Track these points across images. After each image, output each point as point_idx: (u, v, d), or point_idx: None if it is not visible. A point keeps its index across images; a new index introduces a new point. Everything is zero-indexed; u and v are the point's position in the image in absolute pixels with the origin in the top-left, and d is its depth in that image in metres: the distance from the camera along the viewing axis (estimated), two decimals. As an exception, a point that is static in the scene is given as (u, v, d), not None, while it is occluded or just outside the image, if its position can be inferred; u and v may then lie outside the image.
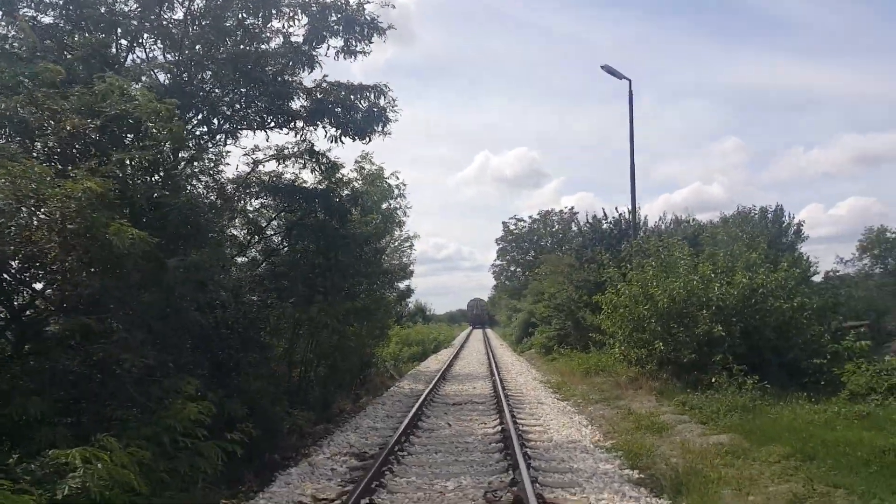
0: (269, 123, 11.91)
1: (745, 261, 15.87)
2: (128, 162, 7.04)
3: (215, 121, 11.03)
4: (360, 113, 11.70)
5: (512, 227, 59.24)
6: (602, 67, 21.41)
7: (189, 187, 8.25)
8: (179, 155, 9.74)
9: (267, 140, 12.04)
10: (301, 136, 12.02)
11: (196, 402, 6.72)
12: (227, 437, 6.86)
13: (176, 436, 6.30)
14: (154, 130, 7.06)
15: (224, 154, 11.45)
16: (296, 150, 12.25)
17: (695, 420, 10.96)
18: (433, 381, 18.73)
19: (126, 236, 5.92)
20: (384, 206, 17.07)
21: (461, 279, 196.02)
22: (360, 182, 15.01)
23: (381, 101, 11.70)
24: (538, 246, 56.88)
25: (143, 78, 9.59)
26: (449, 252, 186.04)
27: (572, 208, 57.35)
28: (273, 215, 12.45)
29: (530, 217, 59.28)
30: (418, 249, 28.37)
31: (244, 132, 11.91)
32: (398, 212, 17.99)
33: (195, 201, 6.84)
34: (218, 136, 11.61)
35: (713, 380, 13.20)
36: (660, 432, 10.40)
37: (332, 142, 12.06)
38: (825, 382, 13.44)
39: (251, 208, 12.48)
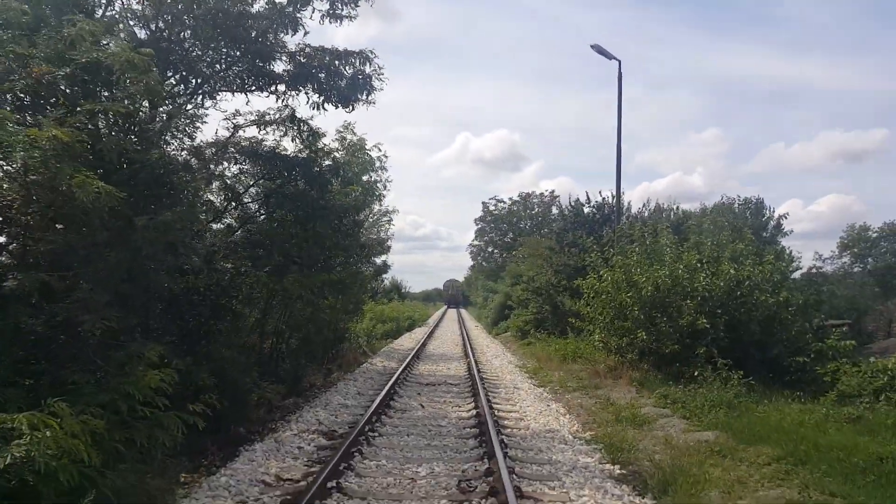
0: (250, 86, 11.27)
1: (731, 251, 15.63)
2: (99, 114, 6.43)
3: (193, 80, 10.35)
4: (344, 79, 11.11)
5: (492, 208, 58.87)
6: (592, 47, 20.94)
7: (163, 145, 7.62)
8: (159, 111, 9.12)
9: (247, 104, 11.45)
10: (283, 101, 11.42)
11: (159, 369, 6.21)
12: (191, 408, 6.33)
13: (134, 404, 5.78)
14: (128, 83, 6.43)
15: (202, 116, 10.85)
16: (277, 116, 11.64)
17: (677, 414, 10.67)
18: (406, 360, 18.33)
19: (91, 189, 5.36)
20: (364, 178, 16.51)
21: (437, 259, 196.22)
22: (341, 152, 14.39)
23: (367, 69, 11.14)
24: (517, 228, 56.61)
25: (120, 32, 8.91)
26: (426, 231, 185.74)
27: (553, 192, 57.21)
28: (251, 182, 11.83)
29: (510, 199, 59.03)
30: (396, 226, 27.90)
31: (224, 95, 11.29)
32: (378, 185, 17.47)
33: (168, 159, 6.23)
34: (197, 97, 10.94)
35: (696, 373, 12.96)
36: (641, 426, 10.09)
37: (314, 108, 11.48)
38: (808, 381, 13.33)
39: (229, 174, 11.87)
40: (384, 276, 26.46)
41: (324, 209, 12.09)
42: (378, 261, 23.23)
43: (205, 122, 10.46)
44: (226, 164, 11.74)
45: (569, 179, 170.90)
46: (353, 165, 15.21)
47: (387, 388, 12.57)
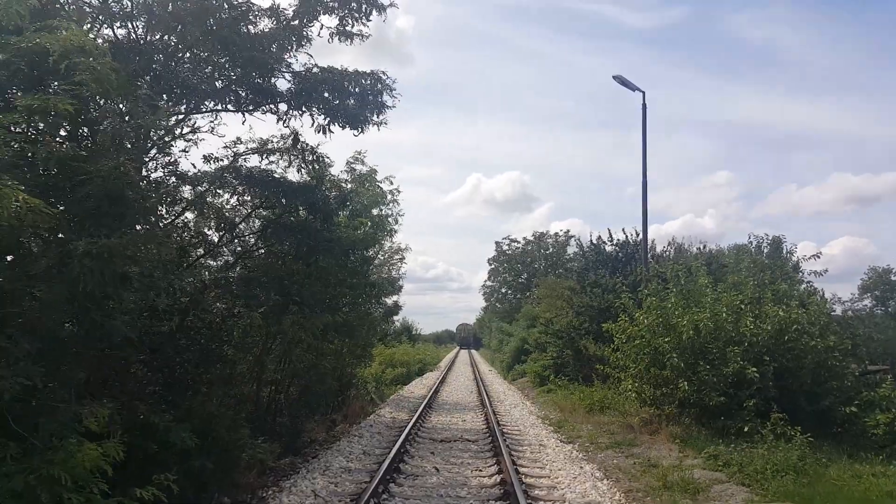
0: (248, 104, 10.15)
1: (773, 291, 14.18)
2: (38, 112, 5.22)
3: (184, 98, 9.23)
4: (352, 97, 9.96)
5: (505, 248, 57.55)
6: (614, 78, 20.02)
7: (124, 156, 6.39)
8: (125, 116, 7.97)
9: (250, 131, 10.30)
10: (285, 122, 10.26)
11: (100, 441, 4.87)
12: (138, 493, 4.94)
13: (62, 491, 4.43)
14: (75, 72, 5.23)
15: (196, 138, 9.74)
16: (281, 144, 10.51)
17: (734, 480, 9.13)
18: (418, 410, 16.81)
19: (9, 202, 4.10)
20: (375, 211, 15.29)
21: (448, 300, 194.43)
22: (349, 184, 13.21)
23: (378, 86, 9.98)
24: (531, 269, 55.15)
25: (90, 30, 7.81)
26: (437, 272, 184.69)
27: (567, 231, 55.86)
28: (249, 211, 10.62)
29: (524, 238, 57.67)
30: (408, 264, 26.64)
31: (222, 118, 10.18)
32: (390, 219, 16.22)
33: (124, 172, 4.97)
34: (190, 119, 9.83)
35: (745, 428, 11.42)
36: (694, 495, 8.57)
37: (319, 132, 10.29)
38: (856, 434, 11.83)
39: (227, 205, 10.71)
40: (395, 317, 25.07)
41: (329, 242, 10.86)
42: (389, 301, 21.90)
43: (199, 142, 9.22)
44: (222, 193, 10.59)
45: (579, 221, 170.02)
46: (362, 197, 14.02)
47: (396, 446, 11.08)
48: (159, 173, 9.38)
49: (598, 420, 15.65)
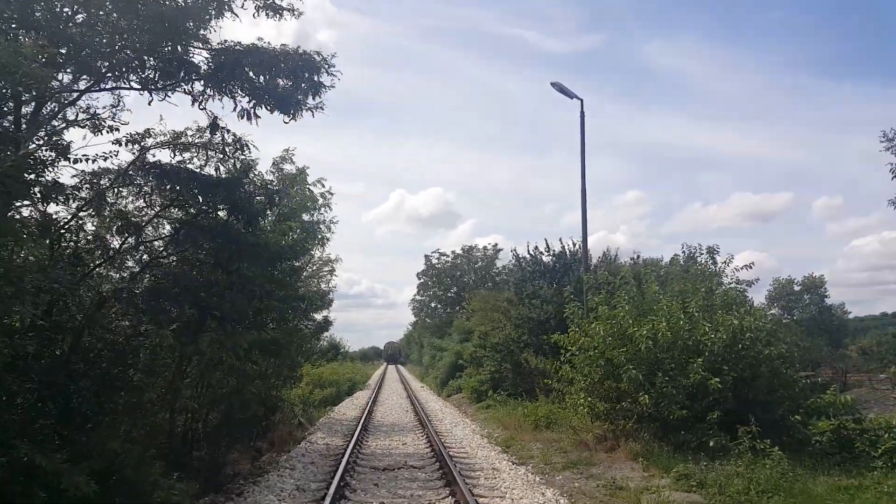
0: (157, 84, 8.67)
1: (721, 299, 13.73)
2: None
3: (69, 57, 7.65)
4: (282, 76, 8.66)
5: (434, 261, 56.44)
6: (553, 84, 19.39)
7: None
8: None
9: (161, 121, 8.77)
10: (201, 104, 8.83)
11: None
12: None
13: None
14: None
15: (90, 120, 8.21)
16: (197, 137, 9.05)
17: (715, 503, 8.33)
18: (354, 435, 15.41)
19: None
20: (305, 217, 13.88)
21: (373, 316, 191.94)
22: (276, 185, 11.82)
23: (313, 64, 8.70)
24: (461, 282, 54.36)
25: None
26: (361, 289, 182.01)
27: (496, 245, 55.39)
28: (157, 211, 9.07)
29: (453, 252, 56.82)
30: (338, 277, 24.98)
31: (122, 100, 8.65)
32: (321, 226, 14.81)
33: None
34: (80, 95, 8.26)
35: (710, 443, 10.74)
36: (677, 523, 7.70)
37: (243, 118, 8.93)
38: (802, 441, 11.44)
39: (130, 206, 9.14)
40: (325, 334, 23.47)
41: (254, 247, 9.46)
42: (318, 317, 20.34)
43: (98, 129, 7.69)
44: (125, 193, 9.03)
45: (501, 237, 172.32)
46: (291, 200, 12.61)
47: (335, 480, 9.73)
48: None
49: (547, 437, 14.75)
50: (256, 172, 10.55)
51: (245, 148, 8.65)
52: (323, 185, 14.06)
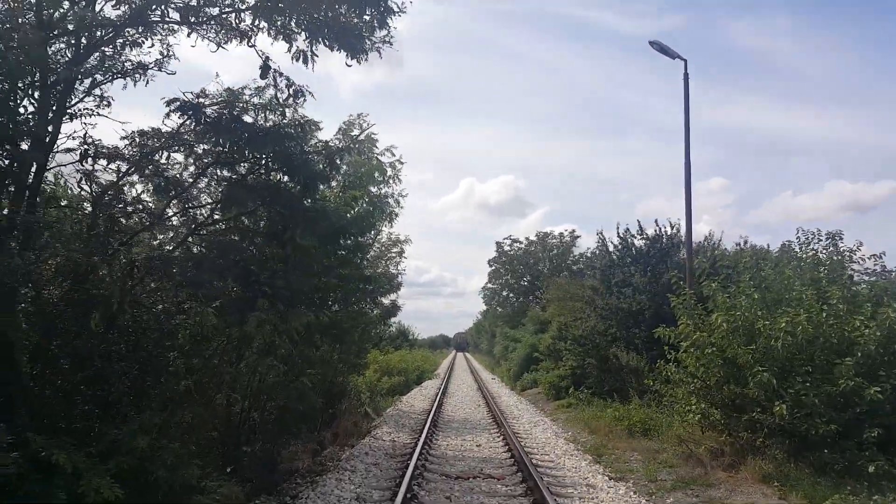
0: (199, 14, 7.24)
1: (871, 289, 11.37)
2: None
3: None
4: (343, 3, 7.05)
5: (507, 248, 54.43)
6: (651, 44, 17.16)
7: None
8: None
9: (217, 79, 7.34)
10: (249, 40, 7.33)
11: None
12: None
13: None
14: None
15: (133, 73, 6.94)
16: (256, 96, 7.56)
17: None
18: (423, 431, 13.86)
19: None
20: (373, 189, 12.34)
21: (442, 305, 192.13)
22: (341, 144, 10.27)
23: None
24: (534, 270, 52.17)
25: None
26: (430, 277, 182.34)
27: (573, 231, 52.81)
28: (202, 169, 7.64)
29: (527, 238, 54.56)
30: (408, 259, 23.40)
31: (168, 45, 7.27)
32: (390, 200, 13.24)
33: None
34: (116, 31, 6.93)
35: (870, 468, 8.54)
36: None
37: (298, 59, 7.39)
38: None
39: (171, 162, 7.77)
40: (393, 319, 22.08)
41: (311, 216, 7.95)
42: (386, 301, 18.90)
43: (139, 80, 6.27)
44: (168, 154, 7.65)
45: (574, 226, 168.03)
46: (358, 165, 11.08)
47: (402, 488, 8.16)
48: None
49: (645, 446, 12.76)
50: (318, 138, 9.08)
51: (301, 95, 7.08)
52: (393, 154, 12.49)
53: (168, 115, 6.54)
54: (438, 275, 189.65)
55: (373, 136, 11.45)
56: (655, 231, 20.34)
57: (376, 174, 12.25)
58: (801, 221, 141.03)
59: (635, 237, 20.57)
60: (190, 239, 7.81)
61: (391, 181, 12.85)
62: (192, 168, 7.86)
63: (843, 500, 7.68)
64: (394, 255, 19.43)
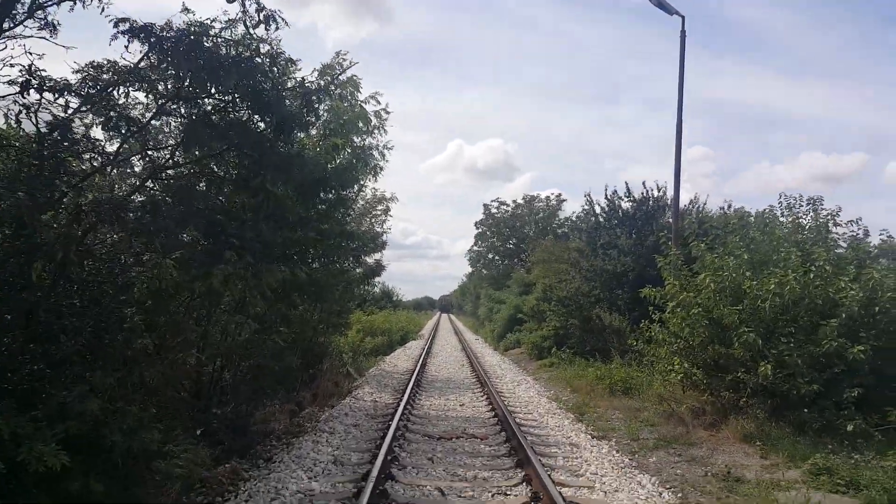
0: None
1: (854, 251, 11.24)
2: None
3: None
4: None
5: (494, 211, 54.09)
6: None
7: None
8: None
9: (183, 11, 6.75)
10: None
11: None
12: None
13: None
14: None
15: None
16: (225, 23, 7.01)
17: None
18: (405, 391, 13.70)
19: None
20: (356, 140, 11.85)
21: (428, 267, 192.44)
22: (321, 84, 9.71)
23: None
24: (520, 233, 51.99)
25: None
26: (417, 239, 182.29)
27: (559, 195, 52.56)
28: (162, 102, 7.12)
29: (514, 201, 54.22)
30: (393, 218, 22.75)
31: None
32: (374, 152, 12.77)
33: None
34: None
35: (849, 427, 8.48)
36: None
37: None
38: None
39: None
40: (377, 279, 21.80)
41: (286, 160, 7.53)
42: (370, 260, 18.57)
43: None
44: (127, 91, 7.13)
45: (562, 192, 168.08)
46: (339, 111, 10.57)
47: (383, 450, 7.96)
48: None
49: (626, 405, 12.71)
50: (296, 79, 8.55)
51: (272, 21, 6.59)
52: (378, 102, 11.96)
53: (117, 39, 6.00)
54: (424, 237, 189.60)
55: (356, 79, 10.92)
56: (642, 193, 20.13)
57: (360, 123, 11.71)
58: (776, 191, 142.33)
59: (622, 199, 20.36)
60: (150, 185, 7.40)
61: (376, 132, 12.34)
62: (146, 99, 7.37)
63: (824, 458, 7.58)
64: (379, 212, 19.06)
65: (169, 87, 6.85)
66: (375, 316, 29.83)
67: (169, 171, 7.50)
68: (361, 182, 13.12)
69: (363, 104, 11.57)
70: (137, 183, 7.22)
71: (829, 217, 12.57)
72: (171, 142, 7.62)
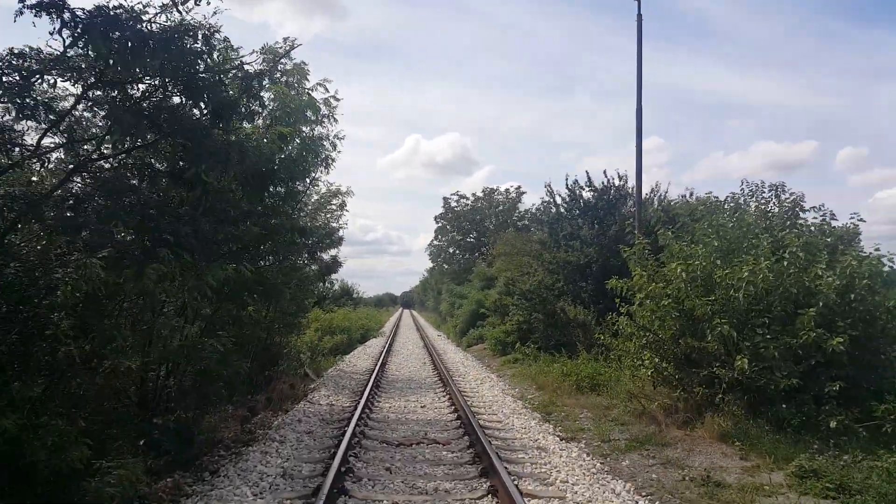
0: None
1: (831, 236, 11.00)
2: None
3: None
4: None
5: (454, 205, 53.49)
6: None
7: None
8: None
9: None
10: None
11: None
12: None
13: None
14: None
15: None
16: (160, 7, 6.21)
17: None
18: (364, 393, 13.03)
19: None
20: (305, 129, 11.11)
21: (389, 263, 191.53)
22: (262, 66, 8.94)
23: None
24: (481, 227, 51.60)
25: None
26: (377, 235, 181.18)
27: (519, 187, 52.37)
28: (81, 91, 6.32)
29: (473, 194, 53.77)
30: (349, 213, 21.82)
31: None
32: (325, 143, 12.02)
33: None
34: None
35: (831, 423, 8.15)
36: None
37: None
38: None
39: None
40: (334, 275, 20.98)
41: (223, 148, 6.77)
42: (326, 256, 17.78)
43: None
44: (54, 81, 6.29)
45: (518, 184, 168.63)
46: (287, 102, 9.81)
47: (336, 460, 7.29)
48: None
49: (594, 402, 12.29)
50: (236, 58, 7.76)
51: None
52: (326, 90, 11.24)
53: (23, 15, 5.20)
54: (384, 233, 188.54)
55: (303, 66, 10.18)
56: (603, 183, 19.78)
57: (309, 112, 11.00)
58: (731, 181, 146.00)
59: (583, 189, 19.99)
60: (78, 179, 6.58)
61: (326, 121, 11.63)
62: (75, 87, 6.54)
63: (809, 459, 7.21)
64: (334, 207, 18.25)
65: (93, 72, 6.05)
66: (334, 314, 28.95)
67: (98, 164, 6.69)
68: (313, 174, 12.35)
69: (311, 92, 10.85)
70: (62, 177, 6.39)
71: (793, 203, 12.37)
72: (100, 133, 6.81)
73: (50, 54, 5.94)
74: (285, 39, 9.47)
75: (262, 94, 8.05)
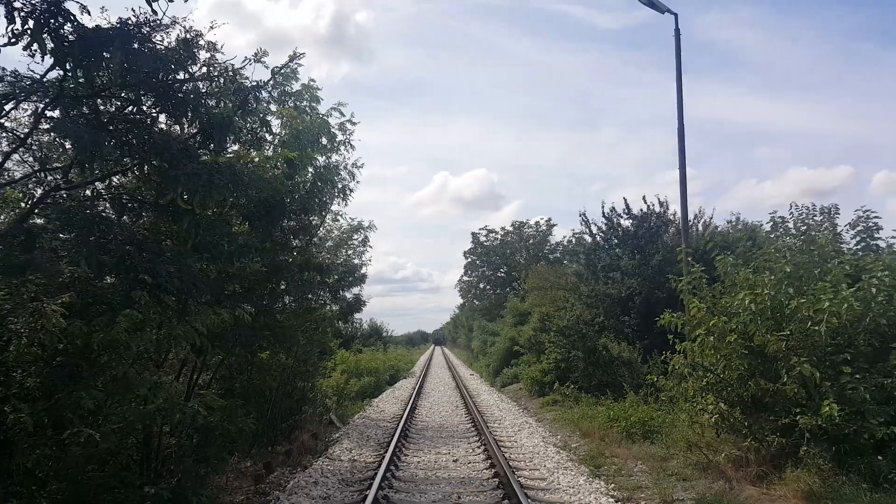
0: None
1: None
2: None
3: None
4: None
5: (483, 239, 52.44)
6: (640, -1, 15.35)
7: None
8: None
9: (102, 12, 5.20)
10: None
11: None
12: None
13: None
14: None
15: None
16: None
17: None
18: (390, 445, 11.82)
19: None
20: (321, 159, 10.19)
21: (418, 300, 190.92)
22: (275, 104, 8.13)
23: None
24: (511, 261, 50.31)
25: None
26: (406, 273, 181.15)
27: (549, 220, 51.07)
28: (42, 105, 5.44)
29: (503, 228, 52.63)
30: (373, 249, 20.93)
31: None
32: (342, 171, 11.10)
33: None
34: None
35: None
36: None
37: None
38: None
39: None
40: (357, 315, 19.91)
41: (206, 169, 5.79)
42: (349, 295, 16.76)
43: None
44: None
45: (547, 218, 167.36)
46: (294, 124, 8.89)
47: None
48: None
49: (649, 452, 10.88)
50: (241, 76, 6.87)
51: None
52: (342, 114, 10.36)
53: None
54: (414, 270, 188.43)
55: (313, 85, 9.31)
56: (642, 210, 18.55)
57: (323, 139, 10.10)
58: (765, 208, 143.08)
59: (621, 216, 18.76)
60: (42, 211, 5.67)
61: (342, 147, 10.71)
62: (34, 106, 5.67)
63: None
64: (356, 242, 17.32)
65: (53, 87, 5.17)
66: (361, 355, 27.85)
67: (60, 194, 5.79)
68: (329, 205, 11.40)
69: (326, 117, 9.97)
70: (26, 208, 5.50)
71: (859, 226, 11.01)
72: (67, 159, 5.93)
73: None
74: (294, 52, 8.59)
75: (268, 118, 7.20)
